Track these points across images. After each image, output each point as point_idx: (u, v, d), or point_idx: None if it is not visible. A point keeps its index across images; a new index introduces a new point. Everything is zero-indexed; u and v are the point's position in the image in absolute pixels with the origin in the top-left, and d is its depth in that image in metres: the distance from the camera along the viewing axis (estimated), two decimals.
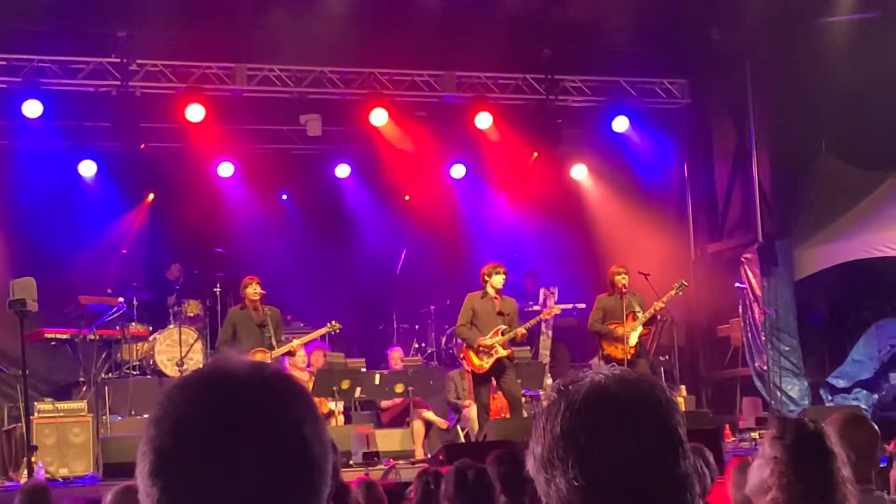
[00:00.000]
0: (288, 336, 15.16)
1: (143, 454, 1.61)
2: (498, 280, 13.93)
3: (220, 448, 1.57)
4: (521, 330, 14.03)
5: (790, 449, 3.64)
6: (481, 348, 13.79)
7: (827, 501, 3.57)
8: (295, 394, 1.66)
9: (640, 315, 14.38)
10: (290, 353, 14.70)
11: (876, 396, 16.03)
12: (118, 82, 16.26)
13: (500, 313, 13.99)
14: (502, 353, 13.81)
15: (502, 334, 13.84)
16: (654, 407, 1.86)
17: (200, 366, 1.75)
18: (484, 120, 17.63)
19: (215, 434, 1.58)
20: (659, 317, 15.11)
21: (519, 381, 14.37)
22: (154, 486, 1.59)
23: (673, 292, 14.76)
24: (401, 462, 13.26)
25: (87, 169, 17.91)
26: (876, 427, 4.76)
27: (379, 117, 17.24)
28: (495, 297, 14.01)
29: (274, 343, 14.10)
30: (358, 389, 15.05)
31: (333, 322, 14.92)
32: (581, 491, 1.82)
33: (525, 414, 14.73)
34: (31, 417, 13.35)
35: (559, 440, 1.84)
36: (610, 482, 1.81)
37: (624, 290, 14.41)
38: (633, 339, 14.35)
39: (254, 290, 14.25)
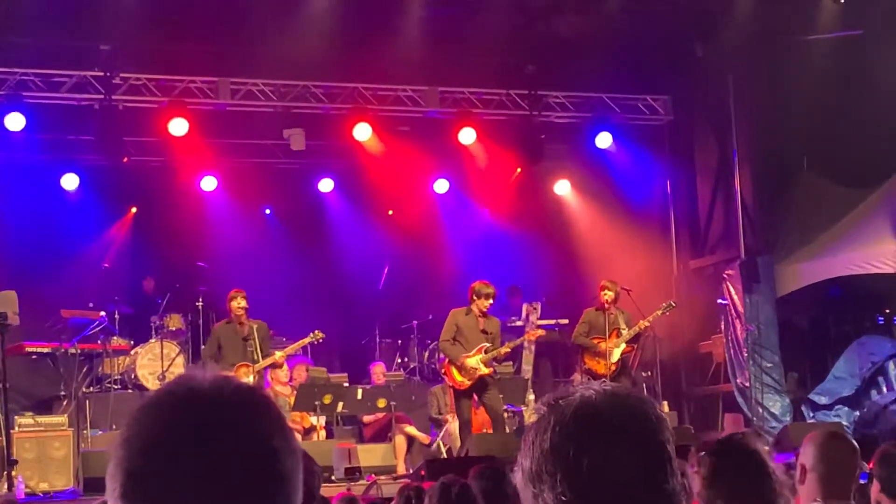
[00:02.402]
0: (273, 351, 15.16)
1: (113, 476, 1.60)
2: (485, 304, 13.90)
3: (190, 466, 1.56)
4: (505, 349, 14.05)
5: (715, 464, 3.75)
6: (463, 367, 13.78)
7: None
8: (262, 406, 1.65)
9: (624, 332, 14.42)
10: (275, 366, 14.69)
11: (857, 413, 16.06)
12: (101, 96, 16.24)
13: (483, 331, 13.98)
14: (484, 371, 13.80)
15: (485, 353, 13.83)
16: (644, 423, 1.86)
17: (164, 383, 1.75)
18: (467, 135, 17.64)
19: (184, 453, 1.57)
20: (641, 332, 15.14)
21: (501, 396, 14.38)
22: None
23: (659, 312, 14.82)
24: (382, 477, 13.24)
25: (70, 182, 17.86)
26: (855, 443, 4.77)
27: (362, 132, 17.24)
28: (479, 316, 14.00)
29: (258, 357, 14.07)
30: (340, 404, 15.02)
31: (317, 332, 14.89)
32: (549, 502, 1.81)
33: (507, 430, 14.74)
34: (12, 431, 13.29)
35: (548, 455, 1.83)
36: (597, 499, 1.81)
37: (607, 305, 14.45)
38: (616, 355, 14.39)
39: (238, 304, 14.25)
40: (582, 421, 1.84)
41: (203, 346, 15.40)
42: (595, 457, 1.81)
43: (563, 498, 1.81)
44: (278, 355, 14.52)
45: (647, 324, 14.62)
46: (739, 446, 3.80)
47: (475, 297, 13.93)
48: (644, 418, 1.86)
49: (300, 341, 15.09)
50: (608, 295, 14.52)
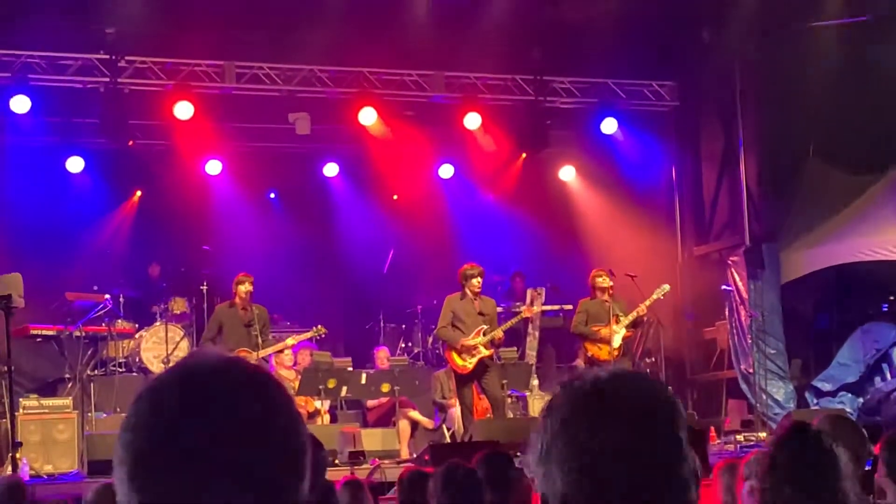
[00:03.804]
0: (274, 336, 15.19)
1: (121, 458, 1.60)
2: (475, 283, 13.99)
3: (197, 448, 1.57)
4: (499, 332, 14.09)
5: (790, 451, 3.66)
6: (464, 349, 13.83)
7: None
8: (270, 388, 1.65)
9: (622, 318, 14.45)
10: (281, 352, 14.75)
11: (861, 400, 16.06)
12: (107, 79, 16.23)
13: (480, 314, 14.05)
14: (485, 352, 13.86)
15: (484, 334, 13.89)
16: (658, 407, 1.85)
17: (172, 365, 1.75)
18: (473, 120, 17.63)
19: (191, 436, 1.57)
20: (645, 319, 15.16)
21: (504, 381, 14.40)
22: (133, 492, 1.58)
23: (655, 296, 14.84)
24: (386, 461, 13.26)
25: (75, 165, 17.85)
26: (863, 430, 4.75)
27: (367, 116, 17.23)
28: (474, 299, 14.06)
29: (260, 342, 14.10)
30: (344, 388, 15.03)
31: (319, 326, 14.94)
32: (578, 485, 1.81)
33: (510, 414, 14.77)
34: (16, 414, 13.31)
35: (560, 433, 1.83)
36: (608, 480, 1.80)
37: (604, 292, 14.49)
38: (617, 340, 14.41)
39: (245, 289, 14.35)
40: (596, 401, 1.83)
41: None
42: (607, 438, 1.80)
43: (574, 477, 1.80)
44: (286, 343, 14.61)
45: (644, 308, 14.68)
46: (805, 431, 3.74)
47: (464, 281, 14.04)
48: (658, 401, 1.86)
49: (302, 335, 15.11)
50: (605, 281, 14.56)
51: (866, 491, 4.77)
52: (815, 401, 16.40)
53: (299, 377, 14.92)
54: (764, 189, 17.50)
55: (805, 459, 3.63)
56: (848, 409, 15.43)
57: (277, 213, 20.00)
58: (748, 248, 17.23)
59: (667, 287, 15.14)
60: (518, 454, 11.23)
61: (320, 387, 14.57)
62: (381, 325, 18.79)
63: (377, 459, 13.26)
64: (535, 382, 16.26)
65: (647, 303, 14.70)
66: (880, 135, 16.14)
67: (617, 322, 14.41)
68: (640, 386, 1.87)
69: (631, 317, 14.50)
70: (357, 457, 13.16)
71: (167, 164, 18.44)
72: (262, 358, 14.28)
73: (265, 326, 14.39)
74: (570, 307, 17.09)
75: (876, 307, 16.96)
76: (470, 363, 13.85)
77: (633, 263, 16.02)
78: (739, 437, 14.79)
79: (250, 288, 14.37)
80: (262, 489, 1.59)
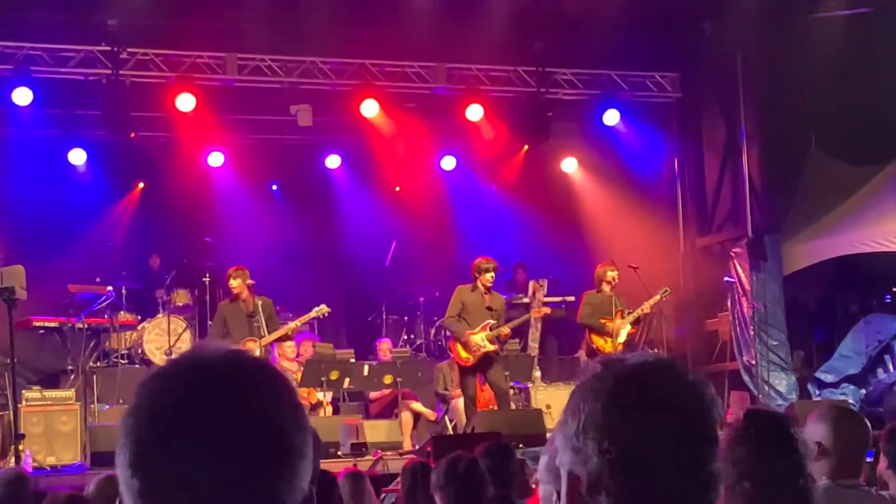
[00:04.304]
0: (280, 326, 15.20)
1: (123, 446, 1.61)
2: (488, 278, 14.01)
3: (199, 437, 1.57)
4: (505, 329, 14.11)
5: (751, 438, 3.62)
6: (469, 343, 13.84)
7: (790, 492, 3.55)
8: (272, 380, 1.66)
9: (627, 314, 14.55)
10: (285, 338, 14.73)
11: (863, 391, 16.07)
12: (108, 71, 16.23)
13: (488, 308, 14.06)
14: (489, 348, 13.88)
15: (490, 329, 13.90)
16: (698, 401, 1.85)
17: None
18: (475, 112, 17.62)
19: (193, 423, 1.58)
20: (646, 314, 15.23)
21: (507, 373, 14.42)
22: (134, 478, 1.59)
23: (657, 298, 14.92)
24: (389, 453, 13.27)
25: (77, 157, 17.85)
26: (868, 422, 4.74)
27: (370, 108, 17.23)
28: (485, 293, 14.08)
29: (265, 332, 14.10)
30: (346, 380, 15.04)
31: (322, 306, 14.89)
32: (610, 464, 1.80)
33: (513, 406, 14.78)
34: (19, 405, 13.33)
35: (600, 413, 1.82)
36: (641, 463, 1.80)
37: (610, 285, 14.55)
38: (623, 335, 14.45)
39: (234, 284, 14.28)
40: (638, 386, 1.83)
41: (210, 324, 15.43)
42: (648, 424, 1.80)
43: (608, 455, 1.80)
44: (291, 326, 14.60)
45: (647, 309, 14.79)
46: (765, 416, 3.71)
47: (477, 274, 14.05)
48: (699, 396, 1.86)
49: (305, 315, 15.09)
50: (615, 275, 14.60)
51: (868, 482, 4.77)
52: (817, 392, 16.41)
53: (302, 369, 14.93)
54: (766, 180, 17.49)
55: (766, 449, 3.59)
56: (850, 401, 15.43)
57: (279, 205, 20.00)
58: (750, 239, 17.22)
59: (667, 290, 15.21)
60: (521, 446, 11.26)
61: (323, 378, 14.58)
62: (384, 316, 18.81)
63: (379, 451, 13.27)
64: (538, 374, 16.28)
65: (651, 302, 14.83)
66: (883, 126, 16.12)
67: (623, 317, 14.49)
68: (685, 378, 1.86)
69: (634, 315, 14.60)
70: (359, 448, 13.18)
71: (169, 156, 18.44)
72: (266, 349, 14.28)
73: (271, 318, 14.36)
74: (572, 299, 17.13)
75: (878, 298, 16.97)
76: (472, 357, 13.88)
77: (635, 255, 16.03)
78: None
79: (239, 283, 14.27)
80: (263, 477, 1.60)
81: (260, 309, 14.16)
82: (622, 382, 1.83)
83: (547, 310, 16.28)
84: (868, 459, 4.75)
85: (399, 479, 7.05)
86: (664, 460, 1.79)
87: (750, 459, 3.54)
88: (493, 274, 14.08)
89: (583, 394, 1.86)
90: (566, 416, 1.87)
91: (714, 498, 1.83)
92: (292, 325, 14.89)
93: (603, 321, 14.50)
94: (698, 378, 1.89)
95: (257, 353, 13.68)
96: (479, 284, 14.06)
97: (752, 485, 3.50)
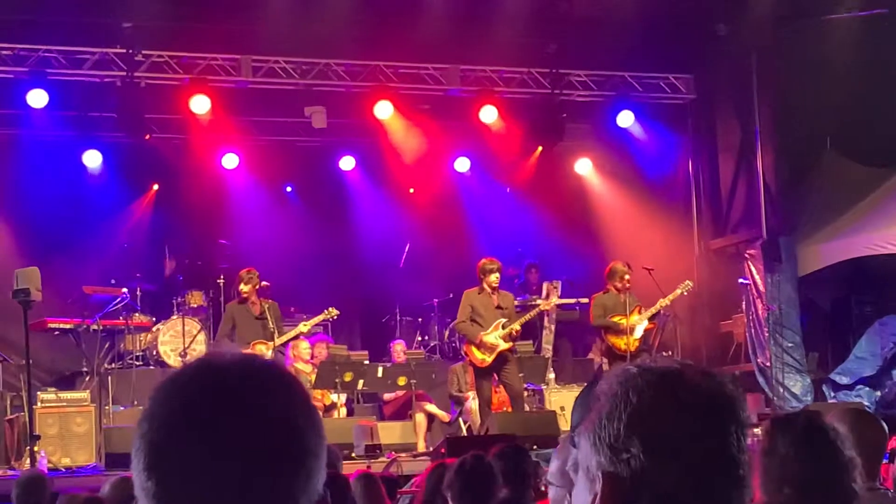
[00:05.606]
0: (287, 329, 15.21)
1: (138, 449, 1.62)
2: (493, 279, 14.05)
3: (213, 441, 1.58)
4: (516, 326, 14.11)
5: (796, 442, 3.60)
6: (483, 344, 13.86)
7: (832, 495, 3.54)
8: (286, 384, 1.67)
9: (644, 310, 14.52)
10: (296, 338, 14.78)
11: (878, 393, 16.02)
12: (123, 73, 16.27)
13: (498, 307, 14.11)
14: (504, 346, 13.89)
15: (503, 328, 13.92)
16: (733, 400, 1.87)
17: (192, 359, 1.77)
18: (489, 114, 17.63)
19: (207, 427, 1.59)
20: (662, 312, 15.17)
21: (521, 374, 14.43)
22: (150, 481, 1.60)
23: (678, 291, 14.88)
24: (403, 455, 13.29)
25: (92, 159, 17.90)
26: (884, 425, 4.73)
27: (384, 110, 17.24)
28: (492, 293, 14.11)
29: (276, 334, 14.13)
30: (360, 382, 15.06)
31: (331, 309, 14.93)
32: (659, 462, 1.81)
33: (527, 407, 14.78)
34: (34, 407, 13.39)
35: (645, 413, 1.82)
36: (685, 460, 1.80)
37: (622, 285, 14.52)
38: (639, 331, 14.44)
39: (243, 288, 14.40)
40: (672, 388, 1.84)
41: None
42: (674, 427, 1.81)
43: (641, 458, 1.80)
44: (303, 326, 14.65)
45: (666, 303, 14.73)
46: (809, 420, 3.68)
47: (482, 275, 14.12)
48: (732, 395, 1.87)
49: (314, 318, 15.13)
50: (628, 275, 14.59)
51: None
52: (832, 394, 16.36)
53: (316, 371, 14.95)
54: (781, 182, 17.45)
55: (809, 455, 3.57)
56: (865, 403, 15.38)
57: (294, 206, 20.00)
58: (765, 241, 17.19)
59: (689, 283, 15.17)
60: (535, 447, 11.26)
61: (337, 380, 14.60)
62: (398, 318, 18.82)
63: (393, 453, 13.29)
64: (552, 376, 16.27)
65: (671, 297, 14.81)
66: None
67: (640, 312, 14.48)
68: (715, 376, 1.88)
69: (653, 309, 14.60)
70: (373, 450, 13.20)
71: (184, 158, 18.46)
72: (279, 351, 14.31)
73: (278, 320, 14.43)
74: (585, 300, 17.08)
75: (894, 300, 16.91)
76: (489, 357, 13.89)
77: (649, 257, 16.02)
78: (757, 430, 14.74)
79: (250, 287, 14.37)
80: (277, 479, 1.60)
81: (268, 312, 14.20)
82: (664, 382, 1.84)
83: (554, 301, 16.31)
84: (883, 461, 4.74)
85: (424, 484, 7.03)
86: (708, 457, 1.81)
87: (791, 464, 3.55)
88: (497, 275, 14.13)
89: (621, 395, 1.86)
90: (598, 418, 1.87)
91: (748, 495, 1.85)
92: (300, 328, 14.93)
93: (616, 319, 14.49)
94: (733, 384, 1.90)
95: (269, 355, 13.72)
96: (485, 286, 14.10)
97: (794, 490, 3.51)
